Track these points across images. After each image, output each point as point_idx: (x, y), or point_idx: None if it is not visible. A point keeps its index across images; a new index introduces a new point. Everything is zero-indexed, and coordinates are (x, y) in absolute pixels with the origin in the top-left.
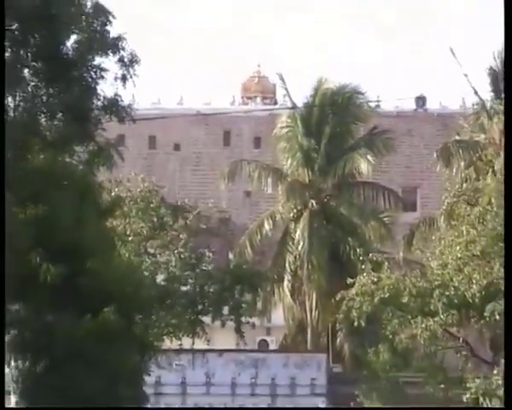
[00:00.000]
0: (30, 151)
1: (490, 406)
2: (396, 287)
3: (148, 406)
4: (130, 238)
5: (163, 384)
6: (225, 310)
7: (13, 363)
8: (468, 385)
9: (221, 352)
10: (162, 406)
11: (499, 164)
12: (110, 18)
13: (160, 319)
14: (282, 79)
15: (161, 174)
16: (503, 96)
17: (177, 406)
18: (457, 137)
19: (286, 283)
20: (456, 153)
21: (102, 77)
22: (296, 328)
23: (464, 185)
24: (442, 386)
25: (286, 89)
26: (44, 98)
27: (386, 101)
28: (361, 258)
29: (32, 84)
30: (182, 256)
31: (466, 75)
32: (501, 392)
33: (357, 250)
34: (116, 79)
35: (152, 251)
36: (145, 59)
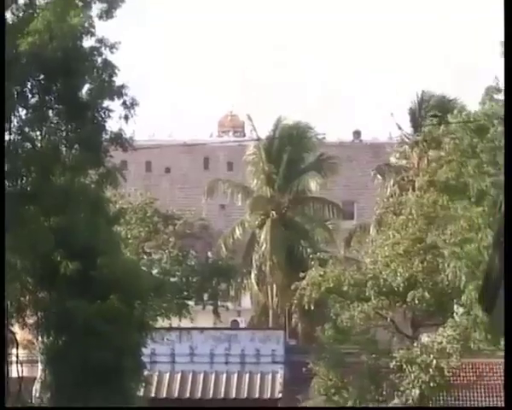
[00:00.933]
0: (53, 174)
1: (413, 372)
2: (338, 279)
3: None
4: (130, 241)
5: (156, 355)
6: (205, 296)
7: (40, 339)
8: (393, 355)
9: (202, 329)
10: (156, 372)
11: (418, 182)
12: (116, 71)
13: (155, 304)
14: (249, 118)
15: (155, 191)
16: (420, 130)
17: (168, 371)
18: (386, 162)
19: (253, 275)
20: (385, 174)
21: (109, 116)
22: (260, 311)
23: (391, 200)
24: (374, 356)
25: (252, 125)
26: (64, 133)
27: (330, 134)
28: (311, 256)
29: (55, 121)
30: (171, 254)
31: (392, 114)
32: (419, 360)
33: (308, 250)
34: (120, 118)
35: (148, 251)
36: (143, 101)
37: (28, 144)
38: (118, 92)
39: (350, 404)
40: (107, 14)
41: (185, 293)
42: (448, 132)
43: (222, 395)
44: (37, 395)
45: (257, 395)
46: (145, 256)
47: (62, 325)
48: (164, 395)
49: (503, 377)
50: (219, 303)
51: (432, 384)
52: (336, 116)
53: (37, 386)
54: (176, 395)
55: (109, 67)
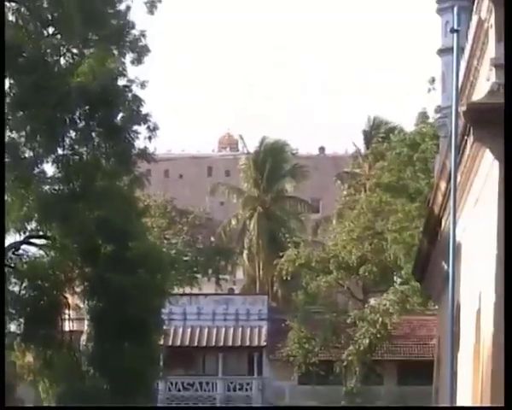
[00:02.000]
0: (95, 179)
1: (364, 326)
2: (308, 257)
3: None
4: (154, 229)
5: (173, 313)
6: (209, 271)
7: (85, 302)
8: (349, 314)
9: (206, 295)
10: (172, 327)
11: (368, 185)
12: (142, 103)
13: (172, 276)
14: (241, 138)
15: (172, 192)
16: (370, 145)
17: (181, 326)
18: (344, 170)
19: (244, 255)
20: (343, 179)
21: (137, 137)
22: (250, 281)
23: (347, 198)
24: (334, 314)
25: (244, 143)
26: (104, 149)
27: (301, 148)
28: (288, 240)
29: (97, 141)
30: (184, 240)
31: (351, 139)
32: (368, 317)
33: (285, 236)
34: (145, 138)
35: (167, 237)
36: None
37: (77, 157)
38: (143, 119)
39: (316, 350)
40: (137, 61)
41: (194, 268)
42: (390, 148)
43: (221, 344)
44: (84, 343)
45: (247, 344)
46: (165, 241)
47: (102, 292)
48: (178, 344)
49: (430, 331)
50: (220, 276)
51: (378, 336)
52: (306, 135)
53: (83, 337)
54: (187, 343)
55: (137, 101)
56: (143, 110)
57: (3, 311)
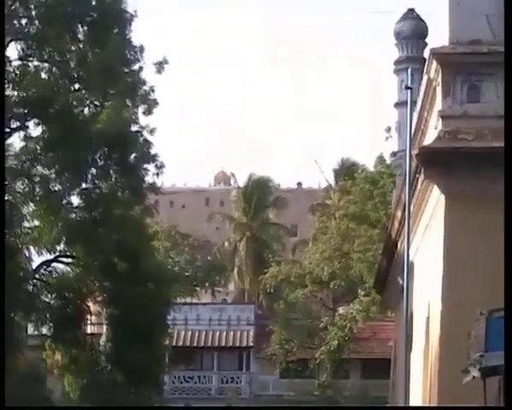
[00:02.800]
0: (113, 209)
1: (334, 330)
2: (287, 273)
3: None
4: (161, 250)
5: (176, 319)
6: (206, 284)
7: (104, 310)
8: (321, 320)
9: (204, 304)
10: (175, 330)
11: (337, 214)
12: (151, 145)
13: (175, 288)
14: (233, 175)
15: (176, 220)
16: (340, 181)
17: (183, 329)
18: (317, 202)
19: (235, 271)
20: (316, 209)
21: (147, 173)
22: (240, 292)
23: (320, 224)
24: (309, 320)
25: (235, 179)
26: (120, 183)
27: (282, 183)
28: (271, 259)
29: (114, 176)
30: (186, 258)
31: (322, 172)
32: (338, 323)
33: (269, 255)
34: (154, 174)
35: (171, 256)
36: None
37: (97, 190)
38: (152, 159)
39: (294, 350)
40: (148, 111)
41: (194, 282)
42: (355, 184)
43: (216, 344)
44: (103, 344)
45: (238, 344)
46: (170, 259)
47: (118, 302)
48: (180, 345)
49: (388, 334)
50: (215, 288)
51: (345, 338)
52: (286, 172)
53: (102, 339)
54: (188, 344)
55: (147, 144)
56: (152, 151)
57: (3, 311)
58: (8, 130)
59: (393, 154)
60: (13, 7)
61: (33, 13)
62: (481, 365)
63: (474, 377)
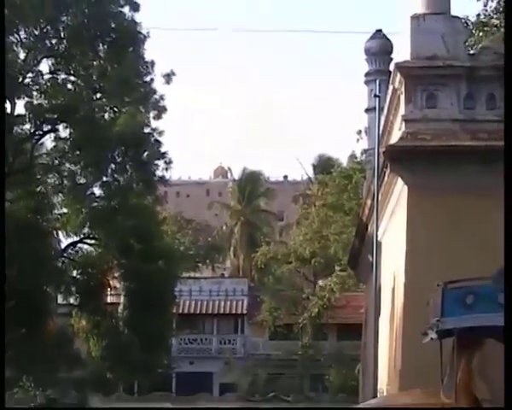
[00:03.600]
0: (129, 199)
1: (314, 300)
2: (275, 252)
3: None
4: (169, 233)
5: (182, 291)
6: (207, 261)
7: (122, 283)
8: (304, 291)
9: (205, 278)
10: (181, 300)
11: (317, 203)
12: (161, 145)
13: (181, 265)
14: (230, 169)
15: (181, 207)
16: (319, 175)
17: (188, 300)
18: (300, 192)
19: (231, 250)
20: (299, 198)
21: (158, 168)
22: (235, 268)
23: (303, 211)
24: (294, 291)
25: (231, 172)
26: (135, 177)
27: (272, 176)
28: (261, 240)
29: (130, 171)
30: (190, 240)
31: (303, 167)
32: (318, 293)
33: (260, 237)
34: (163, 169)
35: (178, 238)
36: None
37: (116, 183)
38: (162, 156)
39: (281, 316)
40: (158, 116)
41: (197, 260)
42: (332, 178)
43: (216, 312)
44: (121, 312)
45: (234, 312)
46: (176, 241)
47: (133, 277)
48: (186, 312)
49: (360, 302)
50: (214, 265)
51: (324, 306)
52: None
53: (120, 307)
54: (192, 312)
55: (157, 143)
56: (161, 150)
57: (4, 311)
58: (40, 132)
59: (364, 151)
60: (44, 29)
61: (62, 34)
62: (438, 328)
63: (431, 338)
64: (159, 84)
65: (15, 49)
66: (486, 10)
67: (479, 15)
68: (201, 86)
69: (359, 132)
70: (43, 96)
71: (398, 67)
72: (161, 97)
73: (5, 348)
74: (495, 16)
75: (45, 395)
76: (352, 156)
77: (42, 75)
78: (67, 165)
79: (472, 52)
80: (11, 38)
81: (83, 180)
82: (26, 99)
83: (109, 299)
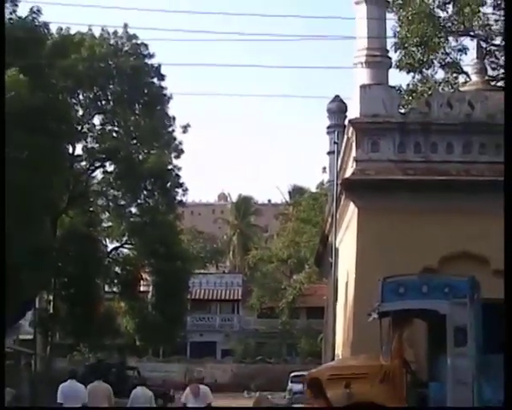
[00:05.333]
0: (157, 216)
1: (290, 289)
2: (262, 255)
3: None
4: (184, 241)
5: (194, 283)
6: (213, 262)
7: (150, 277)
8: (283, 283)
9: (211, 273)
10: (191, 289)
11: (292, 219)
12: (180, 178)
13: (194, 265)
14: (229, 195)
15: (194, 222)
16: (293, 198)
17: (198, 290)
18: (280, 212)
19: (230, 253)
20: (279, 216)
21: (177, 194)
22: (233, 267)
23: (282, 225)
24: (276, 283)
25: (230, 198)
26: (160, 201)
27: (259, 200)
28: (252, 246)
29: (157, 196)
30: (200, 246)
31: (282, 193)
32: (292, 284)
33: (251, 244)
34: (181, 195)
35: (192, 245)
36: (190, 187)
37: (147, 204)
38: (180, 185)
39: (266, 301)
40: (177, 157)
41: (205, 260)
42: (303, 200)
43: (219, 298)
44: (150, 298)
45: (232, 298)
46: (190, 247)
47: (159, 272)
48: (197, 298)
49: (323, 291)
50: (218, 264)
51: (297, 294)
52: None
53: (149, 294)
54: (202, 298)
55: (177, 177)
56: (180, 181)
57: (4, 312)
58: (93, 167)
59: (327, 182)
60: (97, 94)
61: (109, 97)
62: (378, 311)
63: (374, 318)
64: (178, 133)
65: (76, 107)
66: (414, 81)
67: (408, 85)
68: (209, 134)
69: (324, 168)
70: (95, 141)
71: (351, 122)
72: (180, 143)
73: (64, 325)
74: (420, 85)
75: (96, 357)
76: (319, 185)
77: (94, 126)
78: (112, 191)
79: (403, 111)
80: (73, 99)
81: (123, 202)
82: (83, 143)
83: (141, 288)
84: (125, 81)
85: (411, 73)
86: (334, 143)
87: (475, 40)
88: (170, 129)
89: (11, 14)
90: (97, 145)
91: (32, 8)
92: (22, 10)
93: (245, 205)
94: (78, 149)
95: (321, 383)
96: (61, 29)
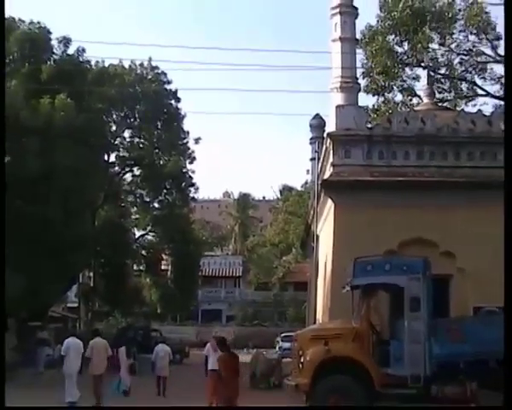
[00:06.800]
0: (174, 212)
1: (281, 267)
2: (258, 240)
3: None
4: (196, 229)
5: (204, 263)
6: (219, 246)
7: (170, 259)
8: (275, 263)
9: (217, 256)
10: (204, 266)
11: (281, 212)
12: (192, 180)
13: (204, 248)
14: (232, 192)
15: (203, 215)
16: (283, 195)
17: (206, 270)
18: (273, 206)
19: (233, 239)
20: (272, 209)
21: (190, 192)
22: (235, 250)
23: (274, 217)
24: (269, 263)
25: (233, 195)
26: (177, 197)
27: (256, 196)
28: (250, 234)
29: (175, 194)
30: (209, 234)
31: (274, 191)
32: (282, 264)
33: (249, 232)
34: (193, 193)
35: (202, 232)
36: (201, 186)
37: (166, 200)
38: (193, 185)
39: (261, 277)
40: (190, 163)
41: (212, 245)
42: (291, 196)
43: (224, 275)
44: (169, 275)
45: (234, 275)
46: (201, 234)
47: (176, 254)
48: (206, 275)
49: (307, 270)
50: (224, 248)
51: (286, 272)
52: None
53: (169, 272)
54: (210, 274)
55: (190, 178)
56: (192, 182)
57: (4, 312)
58: (123, 172)
59: (310, 182)
60: (127, 112)
61: (136, 115)
62: (351, 284)
63: (347, 290)
64: (191, 144)
65: (110, 124)
66: (378, 102)
67: (373, 105)
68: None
69: (307, 171)
70: (125, 151)
71: (329, 134)
72: (193, 151)
73: (101, 296)
74: (383, 106)
75: (126, 321)
76: (304, 184)
77: (125, 139)
78: (139, 190)
79: (370, 126)
80: (108, 118)
81: (147, 199)
82: (116, 153)
83: (162, 267)
84: (149, 103)
85: (376, 96)
86: (315, 151)
87: (426, 70)
88: (184, 141)
89: (62, 53)
90: (127, 154)
91: (78, 48)
92: (71, 49)
93: (244, 201)
94: (112, 157)
95: (225, 341)
96: (98, 62)
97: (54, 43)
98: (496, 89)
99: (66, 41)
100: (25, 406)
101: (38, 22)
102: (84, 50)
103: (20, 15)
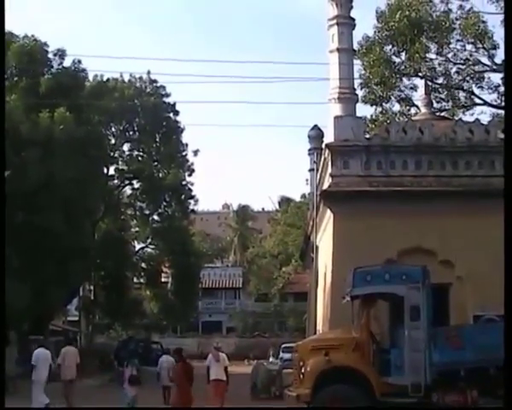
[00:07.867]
0: (174, 224)
1: (281, 278)
2: (258, 251)
3: None
4: (196, 241)
5: (204, 274)
6: (219, 257)
7: (170, 270)
8: (274, 273)
9: (217, 267)
10: (203, 277)
11: (280, 223)
12: (192, 192)
13: (204, 260)
14: (231, 204)
15: (203, 227)
16: (282, 206)
17: (209, 278)
18: (272, 217)
19: (232, 251)
20: (270, 220)
21: (190, 204)
22: (235, 262)
23: (273, 228)
24: (269, 274)
25: (232, 206)
26: (177, 211)
27: (255, 208)
28: (249, 245)
29: (174, 206)
30: (209, 245)
31: (273, 203)
32: (282, 274)
33: (249, 243)
34: (193, 205)
35: (202, 244)
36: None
37: (166, 213)
38: (192, 198)
39: (261, 287)
40: (189, 175)
41: (212, 257)
42: (290, 207)
43: (224, 286)
44: (169, 286)
45: (234, 286)
46: (201, 246)
47: (176, 266)
48: (206, 287)
49: (306, 280)
50: (224, 259)
51: (286, 282)
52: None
53: (169, 283)
54: (210, 286)
55: (190, 190)
56: (192, 194)
57: (4, 312)
58: (123, 184)
59: (309, 193)
60: (126, 126)
61: (135, 128)
62: (350, 294)
63: (347, 300)
64: (190, 156)
65: (109, 137)
66: (376, 112)
67: (371, 116)
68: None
69: (306, 181)
70: (124, 164)
71: (327, 145)
72: (192, 164)
73: (102, 308)
74: (381, 116)
75: (127, 334)
76: (303, 195)
77: (124, 152)
78: (138, 203)
79: (368, 137)
80: (107, 131)
81: (147, 211)
82: (115, 166)
83: (162, 279)
84: (148, 116)
85: (374, 106)
86: (314, 162)
87: (423, 80)
88: (183, 153)
89: (59, 65)
90: (126, 167)
91: (74, 60)
92: (67, 61)
93: (243, 212)
94: (112, 170)
95: (181, 351)
96: (97, 76)
97: (50, 55)
98: (493, 98)
99: (61, 53)
100: (25, 407)
101: (33, 35)
102: (80, 62)
103: (16, 29)
